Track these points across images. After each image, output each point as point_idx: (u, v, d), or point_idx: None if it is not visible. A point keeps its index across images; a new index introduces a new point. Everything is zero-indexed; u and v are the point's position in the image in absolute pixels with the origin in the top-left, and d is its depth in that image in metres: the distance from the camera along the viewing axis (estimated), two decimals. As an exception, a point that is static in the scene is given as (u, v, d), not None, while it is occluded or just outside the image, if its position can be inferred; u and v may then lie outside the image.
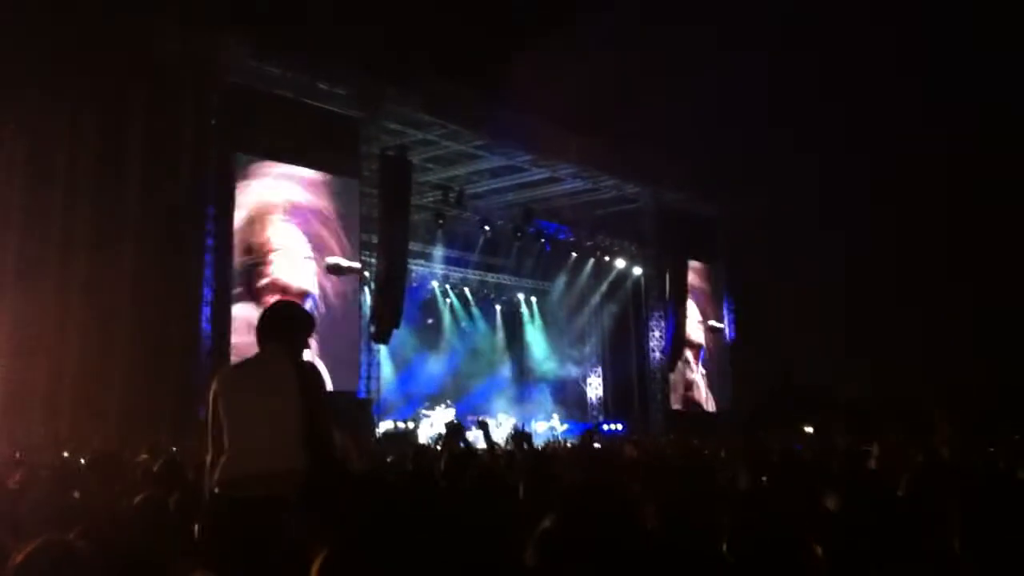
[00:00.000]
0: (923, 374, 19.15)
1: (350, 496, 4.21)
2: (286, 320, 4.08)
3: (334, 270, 16.34)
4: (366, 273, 17.07)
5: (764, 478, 5.10)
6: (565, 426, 22.95)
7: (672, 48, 19.45)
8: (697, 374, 24.78)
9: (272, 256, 15.65)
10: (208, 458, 3.78)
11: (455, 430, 6.54)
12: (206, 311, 14.51)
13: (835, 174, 21.40)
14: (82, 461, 7.10)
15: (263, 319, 4.06)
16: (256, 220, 15.51)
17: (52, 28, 13.91)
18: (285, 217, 15.87)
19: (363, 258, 16.92)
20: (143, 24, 13.99)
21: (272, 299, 14.84)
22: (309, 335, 4.10)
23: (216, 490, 3.62)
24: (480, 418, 21.15)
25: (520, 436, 6.64)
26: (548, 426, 22.96)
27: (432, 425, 19.96)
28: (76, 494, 4.52)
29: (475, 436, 13.22)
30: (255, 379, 3.88)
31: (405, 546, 3.32)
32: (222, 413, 3.76)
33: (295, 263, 15.92)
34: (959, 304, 20.26)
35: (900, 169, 20.84)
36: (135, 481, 5.41)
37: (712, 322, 25.41)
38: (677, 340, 23.60)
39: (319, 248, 16.30)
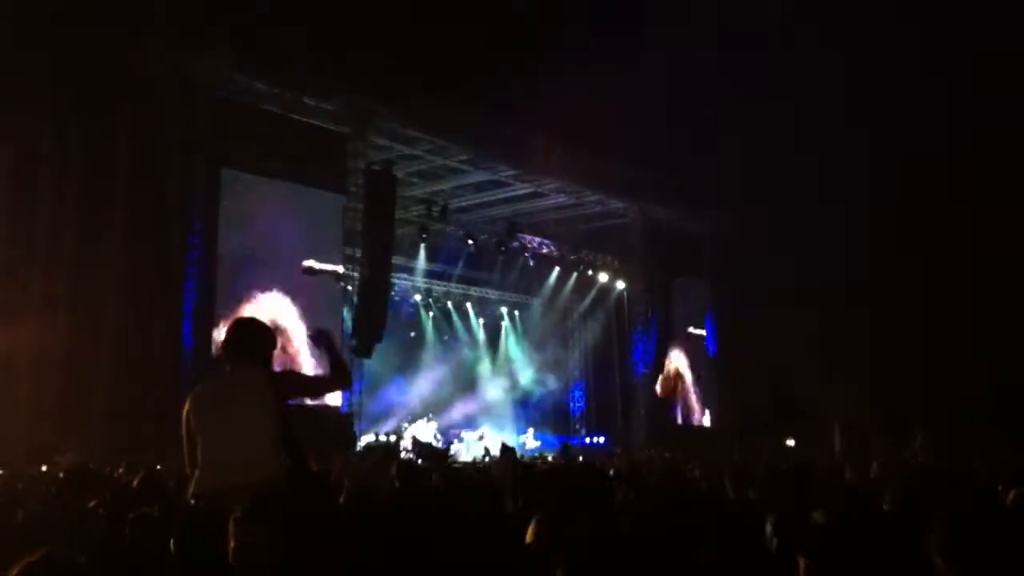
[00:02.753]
0: (922, 376, 19.19)
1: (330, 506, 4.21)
2: (253, 335, 4.10)
3: (307, 272, 16.24)
4: (349, 287, 17.02)
5: (749, 491, 5.11)
6: (538, 442, 22.87)
7: (659, 64, 19.53)
8: (682, 388, 24.80)
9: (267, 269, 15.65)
10: (188, 473, 3.79)
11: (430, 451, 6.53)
12: (188, 324, 14.42)
13: (828, 191, 21.44)
14: (60, 474, 7.02)
15: (232, 335, 4.08)
16: (246, 233, 15.47)
17: (38, 42, 13.85)
18: (274, 230, 15.83)
19: (346, 271, 16.88)
20: (130, 39, 13.95)
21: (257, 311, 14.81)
22: (274, 349, 4.16)
23: (192, 503, 3.63)
24: (461, 433, 21.14)
25: (507, 451, 6.69)
26: (521, 440, 22.94)
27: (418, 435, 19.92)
28: (53, 506, 4.47)
29: (456, 449, 13.25)
30: (230, 393, 3.89)
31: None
32: (196, 429, 3.78)
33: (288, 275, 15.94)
34: (959, 305, 20.31)
35: (898, 170, 20.92)
36: (114, 495, 5.36)
37: (694, 330, 25.42)
38: (660, 354, 23.65)
39: (302, 257, 16.26)
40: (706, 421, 24.99)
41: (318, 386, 4.22)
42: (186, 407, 3.89)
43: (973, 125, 19.72)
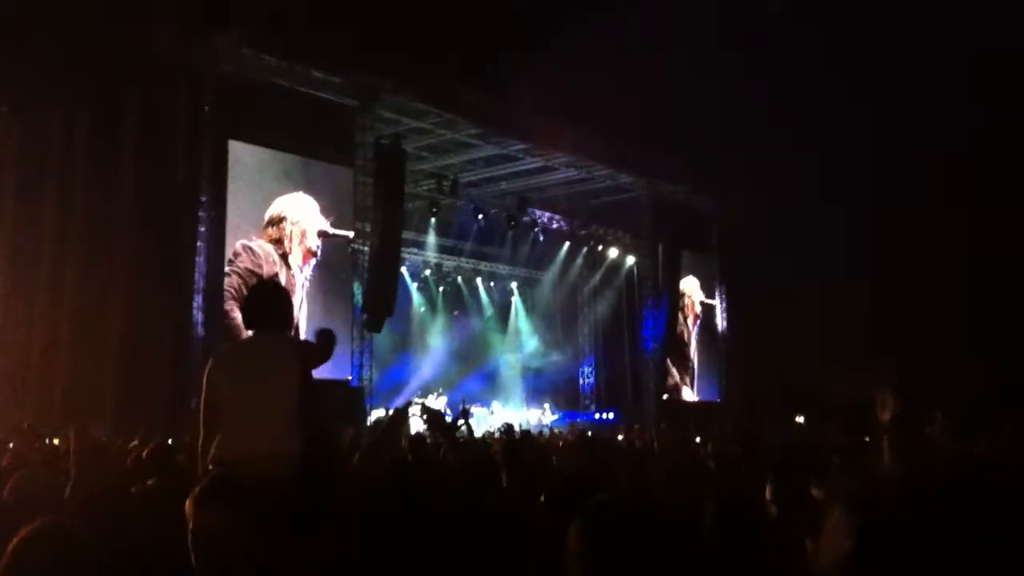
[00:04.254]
0: (922, 374, 19.17)
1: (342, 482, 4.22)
2: (272, 301, 4.09)
3: (322, 235, 16.21)
4: (359, 262, 17.02)
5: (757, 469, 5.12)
6: (555, 416, 22.99)
7: (668, 38, 19.39)
8: (690, 364, 24.79)
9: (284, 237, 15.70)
10: (200, 439, 3.77)
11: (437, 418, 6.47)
12: (199, 299, 14.47)
13: (834, 169, 21.36)
14: (72, 448, 7.08)
15: (251, 302, 4.06)
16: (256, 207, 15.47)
17: (44, 18, 13.83)
18: (286, 205, 15.83)
19: (356, 247, 16.88)
20: (136, 13, 13.91)
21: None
22: (293, 313, 4.19)
23: (209, 467, 3.62)
24: (463, 406, 21.06)
25: (507, 429, 6.76)
26: (538, 415, 23.02)
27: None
28: (64, 479, 4.51)
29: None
30: (254, 361, 3.88)
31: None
32: (218, 394, 3.76)
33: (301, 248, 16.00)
34: (958, 303, 20.28)
35: (900, 166, 20.84)
36: (125, 467, 5.40)
37: (705, 300, 25.35)
38: (670, 330, 23.62)
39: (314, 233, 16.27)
40: (703, 396, 24.97)
41: (319, 357, 4.26)
42: (208, 369, 3.87)
43: (977, 121, 19.58)
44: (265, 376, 3.79)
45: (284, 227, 15.70)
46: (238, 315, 5.31)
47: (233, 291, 14.60)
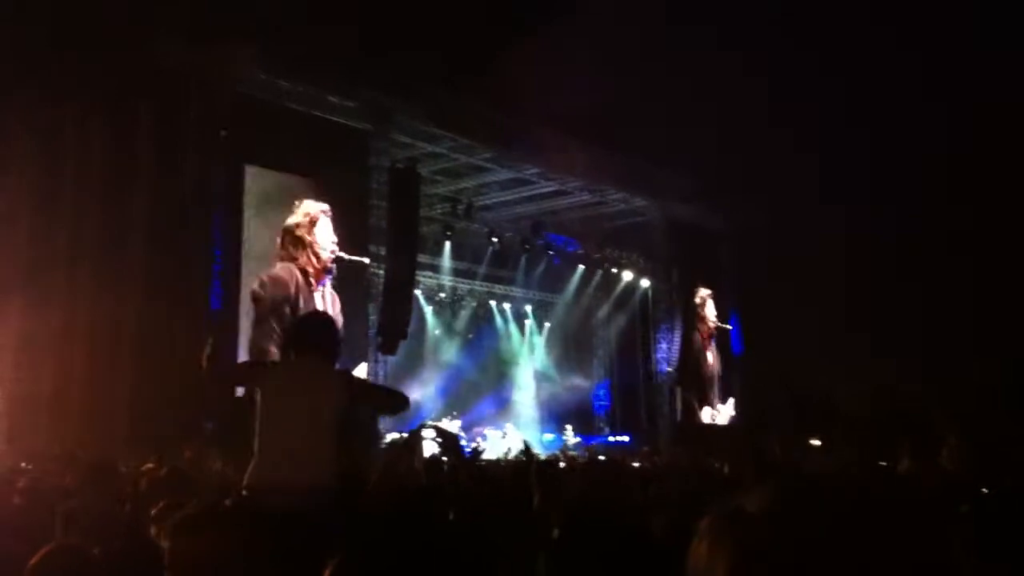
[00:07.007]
0: (923, 376, 19.02)
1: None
2: (327, 330, 4.12)
3: (337, 261, 16.12)
4: (373, 289, 17.03)
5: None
6: (577, 439, 22.85)
7: (681, 60, 19.44)
8: (706, 386, 24.55)
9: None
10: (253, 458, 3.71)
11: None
12: (215, 323, 14.48)
13: (837, 181, 21.32)
14: (85, 468, 7.08)
15: (308, 326, 4.10)
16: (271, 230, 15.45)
17: (61, 37, 14.00)
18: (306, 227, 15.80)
19: (371, 269, 16.91)
20: (151, 36, 14.05)
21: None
22: (340, 344, 4.20)
23: (244, 493, 3.57)
24: (484, 431, 21.04)
25: (528, 450, 6.70)
26: (553, 438, 22.91)
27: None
28: (78, 502, 4.51)
29: (481, 447, 13.28)
30: (303, 385, 3.86)
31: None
32: (261, 413, 3.73)
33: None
34: (959, 304, 20.15)
35: (901, 171, 20.79)
36: (139, 489, 5.39)
37: (719, 324, 25.15)
38: (684, 352, 23.47)
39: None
40: (726, 418, 24.76)
41: (385, 402, 4.42)
42: (256, 381, 3.83)
43: (976, 122, 19.49)
44: (307, 402, 3.76)
45: (302, 239, 15.56)
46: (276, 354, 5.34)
47: (273, 333, 14.46)
